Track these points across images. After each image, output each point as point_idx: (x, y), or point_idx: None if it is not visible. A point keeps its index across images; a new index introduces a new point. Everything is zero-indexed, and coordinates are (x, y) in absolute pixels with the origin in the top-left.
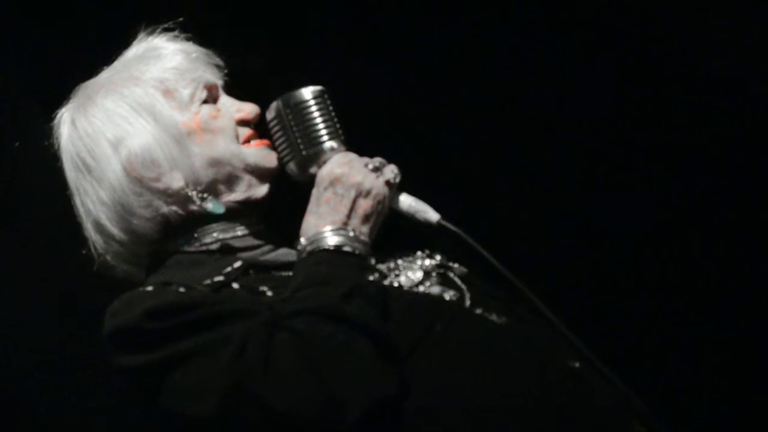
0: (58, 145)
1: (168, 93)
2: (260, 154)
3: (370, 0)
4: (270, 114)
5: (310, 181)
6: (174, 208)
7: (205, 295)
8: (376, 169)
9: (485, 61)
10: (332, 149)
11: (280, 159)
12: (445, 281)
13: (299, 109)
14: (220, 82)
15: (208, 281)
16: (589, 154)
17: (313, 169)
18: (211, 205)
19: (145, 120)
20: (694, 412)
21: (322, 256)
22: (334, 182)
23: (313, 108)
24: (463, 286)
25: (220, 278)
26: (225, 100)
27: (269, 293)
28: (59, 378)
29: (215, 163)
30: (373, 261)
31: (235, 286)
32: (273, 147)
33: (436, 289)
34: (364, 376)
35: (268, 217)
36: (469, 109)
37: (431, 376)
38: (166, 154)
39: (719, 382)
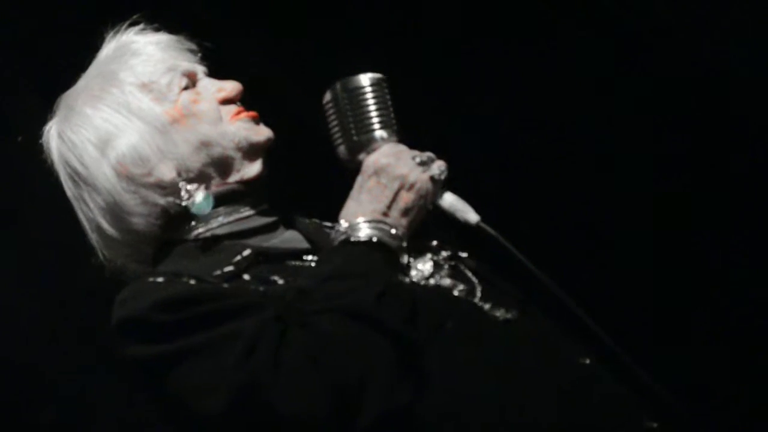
0: (51, 161)
1: (144, 87)
2: (247, 126)
3: None
4: (327, 96)
5: (358, 168)
6: (170, 199)
7: (215, 287)
8: (423, 164)
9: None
10: (383, 138)
11: (332, 141)
12: (455, 274)
13: (356, 94)
14: (198, 67)
15: (218, 272)
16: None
17: (361, 156)
18: (198, 199)
19: (126, 118)
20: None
21: (359, 248)
22: (378, 171)
23: (370, 95)
24: (474, 279)
25: (230, 268)
26: (205, 83)
27: (280, 282)
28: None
29: (203, 146)
30: (405, 257)
31: (246, 277)
32: (327, 131)
33: (446, 282)
34: (380, 383)
35: (272, 196)
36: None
37: (440, 376)
38: (152, 147)
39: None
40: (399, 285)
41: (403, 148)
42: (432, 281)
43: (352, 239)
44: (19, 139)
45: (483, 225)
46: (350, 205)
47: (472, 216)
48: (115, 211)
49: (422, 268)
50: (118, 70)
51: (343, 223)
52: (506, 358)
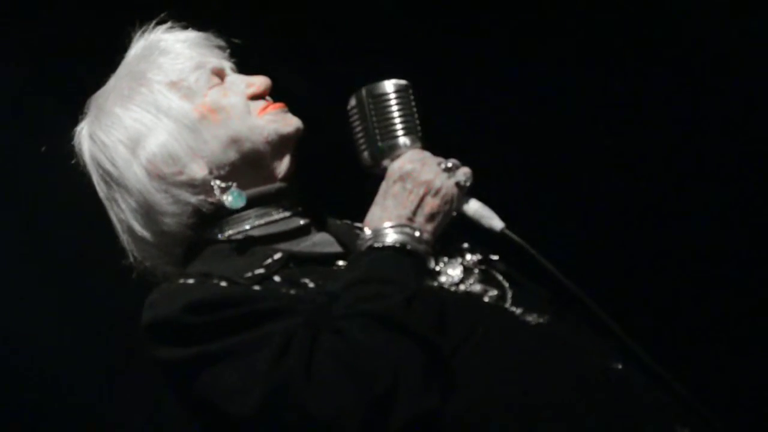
0: (84, 163)
1: (173, 85)
2: (276, 119)
3: None
4: (352, 102)
5: (382, 174)
6: (202, 197)
7: (247, 290)
8: (449, 170)
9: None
10: (406, 145)
11: (356, 147)
12: (486, 278)
13: (381, 100)
14: (226, 64)
15: (249, 273)
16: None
17: (386, 162)
18: (231, 198)
19: (156, 117)
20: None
21: (386, 253)
22: (404, 177)
23: (394, 101)
24: (506, 284)
25: (261, 271)
26: (233, 78)
27: (311, 285)
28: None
29: (233, 142)
30: (432, 263)
31: (277, 279)
32: (351, 137)
33: (477, 288)
34: (410, 390)
35: (304, 197)
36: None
37: (471, 381)
38: (182, 145)
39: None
40: (427, 291)
41: (427, 154)
42: (462, 287)
43: (377, 245)
44: (42, 149)
45: (508, 232)
46: (375, 211)
47: (496, 223)
48: (147, 212)
49: (452, 273)
50: (147, 69)
51: (368, 230)
52: (537, 363)
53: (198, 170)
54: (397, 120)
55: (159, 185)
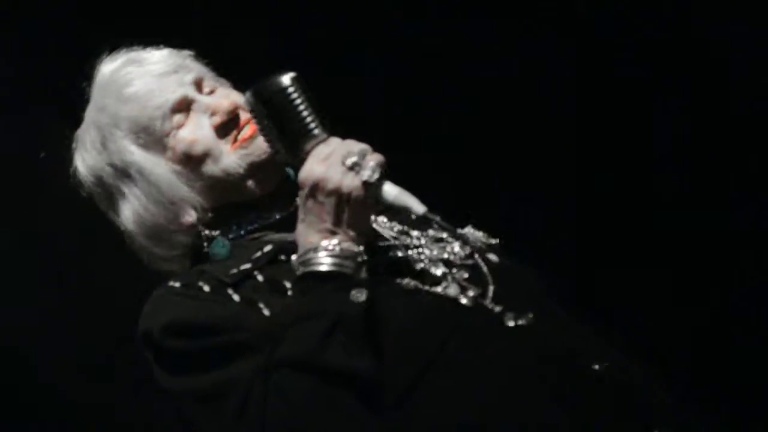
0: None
1: (139, 135)
2: (248, 151)
3: None
4: (247, 104)
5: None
6: (195, 237)
7: (221, 311)
8: (355, 165)
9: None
10: (315, 136)
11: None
12: (471, 274)
13: (269, 105)
14: (188, 90)
15: (234, 270)
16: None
17: (299, 161)
18: (215, 250)
19: (132, 187)
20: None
21: (307, 283)
22: (313, 189)
23: (290, 97)
24: (489, 278)
25: (248, 266)
26: (198, 109)
27: (290, 291)
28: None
29: (215, 184)
30: (366, 257)
31: (260, 278)
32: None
33: (452, 291)
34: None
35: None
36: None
37: (444, 397)
38: (166, 209)
39: None
40: (353, 315)
41: (332, 147)
42: (439, 288)
43: (301, 272)
44: (42, 156)
45: (430, 215)
46: (300, 230)
47: (417, 207)
48: (146, 244)
49: (435, 270)
50: (111, 122)
51: (294, 259)
52: (509, 378)
53: (187, 217)
54: (292, 120)
55: (152, 237)
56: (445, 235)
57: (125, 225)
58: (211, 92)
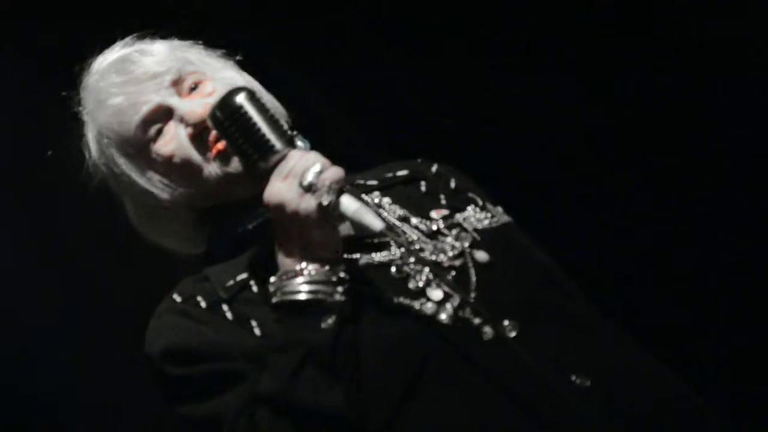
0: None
1: (123, 146)
2: (224, 163)
3: None
4: (209, 122)
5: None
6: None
7: (214, 340)
8: (311, 187)
9: None
10: (270, 161)
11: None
12: (458, 274)
13: (225, 127)
14: (165, 97)
15: (231, 282)
16: None
17: (268, 174)
18: (215, 248)
19: (125, 194)
20: None
21: (282, 311)
22: (276, 213)
23: (236, 122)
24: (474, 282)
25: (244, 276)
26: (176, 119)
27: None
28: None
29: (202, 190)
30: (342, 275)
31: (254, 288)
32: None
33: (436, 296)
34: None
35: None
36: None
37: (418, 428)
38: (157, 215)
39: None
40: (324, 347)
41: (291, 165)
42: (419, 304)
43: (275, 300)
44: (48, 153)
45: (387, 232)
46: (276, 248)
47: (376, 223)
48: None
49: (419, 279)
50: (100, 130)
51: (271, 283)
52: (481, 395)
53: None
54: (255, 133)
55: (153, 231)
56: (442, 225)
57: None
58: (195, 87)
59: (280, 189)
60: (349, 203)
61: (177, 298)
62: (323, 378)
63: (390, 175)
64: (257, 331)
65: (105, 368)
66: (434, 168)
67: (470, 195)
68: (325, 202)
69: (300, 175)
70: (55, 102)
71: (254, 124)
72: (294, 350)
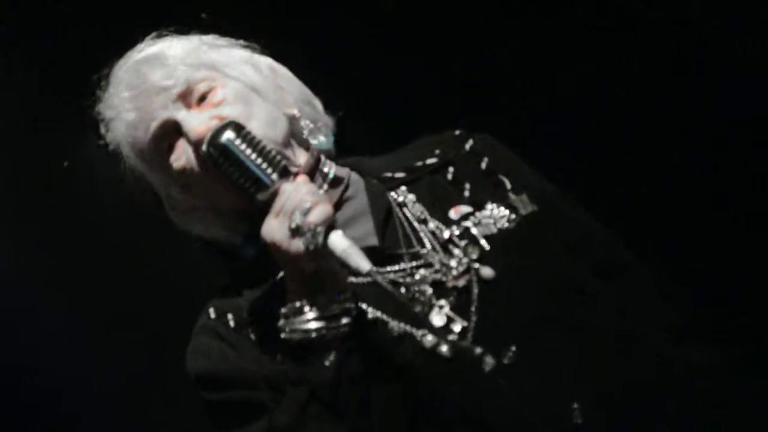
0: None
1: (142, 157)
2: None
3: None
4: (206, 157)
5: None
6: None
7: (239, 366)
8: (298, 229)
9: None
10: (263, 196)
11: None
12: (461, 297)
13: (219, 164)
14: (173, 111)
15: (256, 298)
16: None
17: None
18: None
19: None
20: None
21: (288, 349)
22: (271, 250)
23: (227, 160)
24: (475, 306)
25: (266, 293)
26: (183, 138)
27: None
28: None
29: (224, 202)
30: (348, 303)
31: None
32: None
33: (428, 341)
34: None
35: None
36: None
37: None
38: (185, 214)
39: None
40: (327, 385)
41: (282, 201)
42: (419, 334)
43: (284, 336)
44: (65, 164)
45: (374, 273)
46: (287, 287)
47: (363, 264)
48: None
49: (424, 304)
50: (123, 140)
51: (281, 319)
52: (483, 426)
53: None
54: (246, 170)
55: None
56: (456, 232)
57: None
58: (204, 96)
59: (272, 228)
60: (338, 242)
61: (212, 314)
62: (328, 414)
63: (420, 164)
64: (278, 356)
65: (105, 368)
66: (468, 144)
67: (500, 177)
68: (311, 247)
69: (289, 215)
70: (61, 107)
71: (242, 161)
72: (301, 386)
